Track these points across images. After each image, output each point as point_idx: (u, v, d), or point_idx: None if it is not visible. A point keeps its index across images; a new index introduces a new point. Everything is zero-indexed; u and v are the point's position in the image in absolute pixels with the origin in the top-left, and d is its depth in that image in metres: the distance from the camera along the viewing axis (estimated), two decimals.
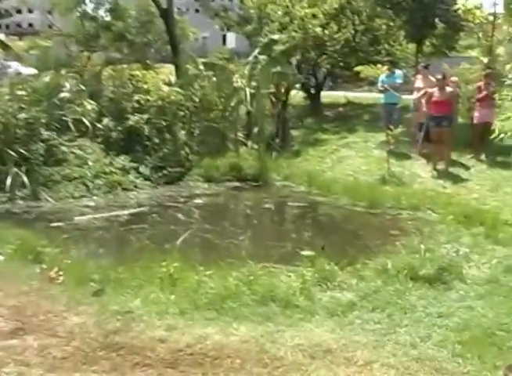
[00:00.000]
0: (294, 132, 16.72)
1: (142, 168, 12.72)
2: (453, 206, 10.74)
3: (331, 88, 20.25)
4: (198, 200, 11.73)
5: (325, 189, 12.35)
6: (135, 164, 12.77)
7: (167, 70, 19.99)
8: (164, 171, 12.87)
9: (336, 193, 12.12)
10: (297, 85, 16.81)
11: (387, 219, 10.64)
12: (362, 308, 6.34)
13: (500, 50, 14.10)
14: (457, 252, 8.35)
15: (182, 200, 11.74)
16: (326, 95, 19.83)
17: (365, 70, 13.37)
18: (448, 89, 12.83)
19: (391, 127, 12.76)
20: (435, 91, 12.84)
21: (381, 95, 14.79)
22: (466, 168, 12.93)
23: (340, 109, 19.34)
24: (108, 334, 5.42)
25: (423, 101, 13.19)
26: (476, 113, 13.24)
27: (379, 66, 13.35)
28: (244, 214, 11.28)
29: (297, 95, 18.03)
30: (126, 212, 10.65)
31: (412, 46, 17.09)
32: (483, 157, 13.28)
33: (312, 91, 18.77)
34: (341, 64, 17.62)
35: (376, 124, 16.86)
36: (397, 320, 6.01)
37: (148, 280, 6.78)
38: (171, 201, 11.57)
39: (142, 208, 10.92)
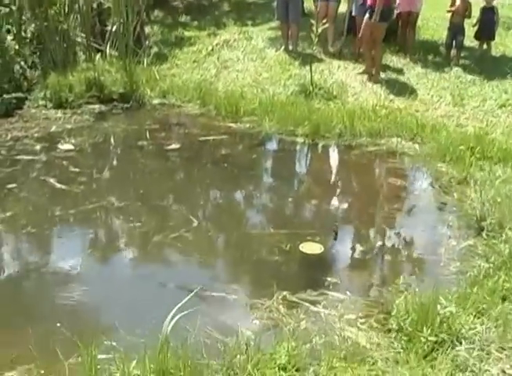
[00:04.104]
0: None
1: None
2: (428, 130, 7.26)
3: None
4: (65, 145, 6.92)
5: (230, 110, 8.15)
6: None
7: None
8: None
9: (250, 115, 8.01)
10: None
11: (356, 156, 6.84)
12: None
13: None
14: None
15: (38, 145, 6.89)
16: None
17: None
18: None
19: (313, 22, 8.66)
20: None
21: None
22: (399, 71, 9.41)
23: None
24: None
25: None
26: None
27: None
28: (149, 169, 6.38)
29: None
30: None
31: None
32: (409, 55, 9.86)
33: None
34: None
35: (244, 15, 12.71)
36: None
37: None
38: (23, 151, 6.67)
39: None
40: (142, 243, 4.74)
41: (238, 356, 3.24)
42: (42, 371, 3.23)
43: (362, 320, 3.71)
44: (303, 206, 5.68)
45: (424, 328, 3.38)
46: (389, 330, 3.56)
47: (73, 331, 3.51)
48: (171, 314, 3.14)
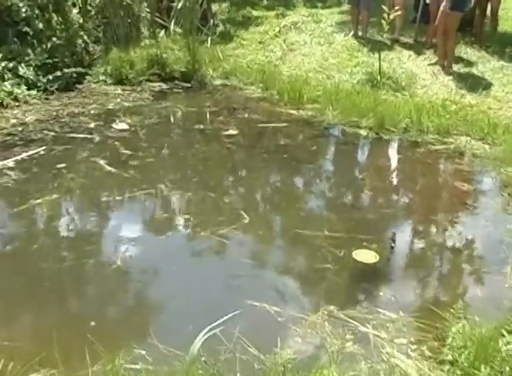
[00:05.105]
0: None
1: (22, 69, 7.38)
2: (500, 130, 6.71)
3: None
4: (120, 125, 6.71)
5: (293, 96, 7.77)
6: (10, 64, 7.36)
7: None
8: (57, 73, 7.60)
9: (313, 102, 7.62)
10: None
11: (421, 154, 6.36)
12: None
13: None
14: None
15: (93, 123, 6.71)
16: None
17: None
18: None
19: (385, 8, 8.10)
20: None
21: None
22: (473, 64, 8.79)
23: None
24: None
25: None
26: None
27: None
28: (203, 156, 5.98)
29: None
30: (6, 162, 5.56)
31: None
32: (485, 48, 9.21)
33: None
34: None
35: None
36: None
37: None
38: (79, 128, 6.51)
39: (34, 149, 5.82)
40: (188, 238, 4.49)
41: None
42: None
43: (414, 346, 3.35)
44: (362, 206, 5.29)
45: (482, 366, 3.00)
46: (442, 362, 3.20)
47: (103, 334, 3.29)
48: (204, 332, 2.86)
